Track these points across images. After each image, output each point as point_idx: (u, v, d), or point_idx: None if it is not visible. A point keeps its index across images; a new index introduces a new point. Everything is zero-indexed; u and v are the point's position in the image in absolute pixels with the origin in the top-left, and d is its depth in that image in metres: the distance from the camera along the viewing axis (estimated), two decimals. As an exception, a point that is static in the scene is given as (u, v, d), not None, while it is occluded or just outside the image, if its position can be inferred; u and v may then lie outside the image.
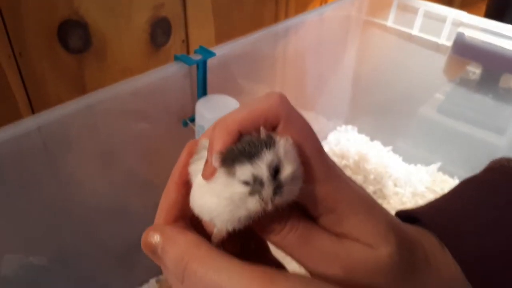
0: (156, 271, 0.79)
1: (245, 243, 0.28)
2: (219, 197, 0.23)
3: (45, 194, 0.58)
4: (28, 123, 0.51)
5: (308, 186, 0.24)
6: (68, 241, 0.64)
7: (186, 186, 0.27)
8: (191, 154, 0.27)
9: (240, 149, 0.23)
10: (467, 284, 0.28)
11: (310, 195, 0.24)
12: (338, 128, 1.09)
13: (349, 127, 1.09)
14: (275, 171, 0.23)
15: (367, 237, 0.24)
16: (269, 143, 0.23)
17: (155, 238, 0.25)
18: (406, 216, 0.31)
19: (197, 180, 0.25)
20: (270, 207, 0.23)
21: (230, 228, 0.24)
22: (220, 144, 0.24)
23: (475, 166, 0.38)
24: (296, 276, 0.22)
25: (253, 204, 0.23)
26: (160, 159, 0.68)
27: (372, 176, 0.95)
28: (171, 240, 0.24)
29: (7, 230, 0.57)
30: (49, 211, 0.60)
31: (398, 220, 0.27)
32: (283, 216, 0.24)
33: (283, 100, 0.25)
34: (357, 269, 0.24)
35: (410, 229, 0.29)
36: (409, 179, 0.95)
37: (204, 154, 0.25)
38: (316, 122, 1.02)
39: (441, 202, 0.33)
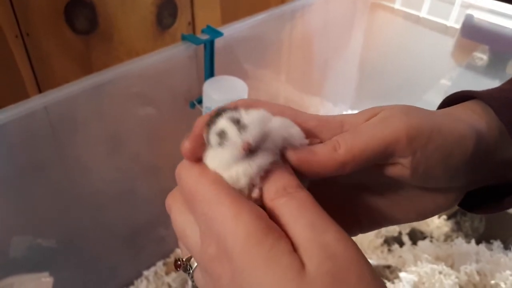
0: (163, 254, 0.80)
1: None
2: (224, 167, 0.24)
3: (52, 175, 0.58)
4: (35, 102, 0.51)
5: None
6: (75, 224, 0.65)
7: None
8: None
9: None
10: None
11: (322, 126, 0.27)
12: (344, 113, 1.08)
13: (355, 112, 1.08)
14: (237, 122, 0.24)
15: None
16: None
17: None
18: (459, 97, 0.31)
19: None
20: (245, 140, 0.24)
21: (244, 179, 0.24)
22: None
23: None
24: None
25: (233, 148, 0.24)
26: (167, 142, 0.68)
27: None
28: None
29: (16, 211, 0.57)
30: (56, 193, 0.60)
31: None
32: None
33: None
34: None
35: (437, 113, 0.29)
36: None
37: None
38: (322, 107, 1.02)
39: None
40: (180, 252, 0.28)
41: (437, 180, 0.27)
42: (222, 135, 0.24)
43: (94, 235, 0.68)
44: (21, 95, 0.60)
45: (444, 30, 0.86)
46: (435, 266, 0.73)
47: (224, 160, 0.24)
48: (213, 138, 0.24)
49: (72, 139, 0.57)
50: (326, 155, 0.25)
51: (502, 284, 0.71)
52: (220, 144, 0.24)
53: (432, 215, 0.30)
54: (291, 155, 0.25)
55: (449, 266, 0.75)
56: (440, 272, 0.72)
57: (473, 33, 0.83)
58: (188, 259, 0.26)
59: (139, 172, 0.69)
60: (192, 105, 0.65)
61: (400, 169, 0.26)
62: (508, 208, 0.29)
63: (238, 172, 0.24)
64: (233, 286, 0.21)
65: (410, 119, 0.26)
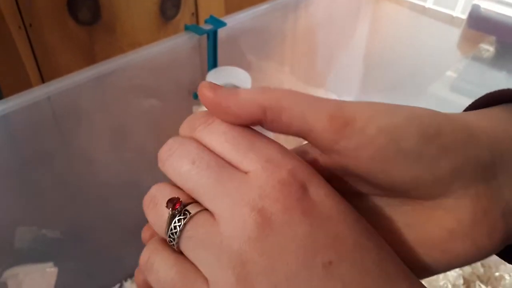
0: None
1: None
2: None
3: (56, 166, 0.58)
4: (38, 92, 0.51)
5: None
6: (80, 215, 0.65)
7: None
8: None
9: None
10: None
11: None
12: (349, 106, 1.08)
13: (360, 105, 1.07)
14: None
15: None
16: None
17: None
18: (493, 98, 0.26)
19: None
20: None
21: None
22: None
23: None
24: None
25: None
26: (171, 133, 0.68)
27: (383, 154, 0.94)
28: None
29: (21, 202, 0.57)
30: (60, 184, 0.60)
31: None
32: None
33: None
34: None
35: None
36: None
37: None
38: (327, 100, 1.01)
39: None
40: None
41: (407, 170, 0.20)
42: None
43: (99, 226, 0.69)
44: (25, 86, 0.61)
45: (450, 20, 0.85)
46: (439, 258, 0.73)
47: None
48: None
49: (75, 130, 0.57)
50: (248, 96, 0.22)
51: (507, 276, 0.70)
52: None
53: (440, 242, 0.21)
54: (207, 92, 0.22)
55: (453, 258, 0.74)
56: (444, 264, 0.72)
57: (479, 24, 0.82)
58: (187, 204, 0.21)
59: (144, 163, 0.69)
60: (196, 96, 0.65)
61: (338, 157, 0.21)
62: None
63: None
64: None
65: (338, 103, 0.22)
